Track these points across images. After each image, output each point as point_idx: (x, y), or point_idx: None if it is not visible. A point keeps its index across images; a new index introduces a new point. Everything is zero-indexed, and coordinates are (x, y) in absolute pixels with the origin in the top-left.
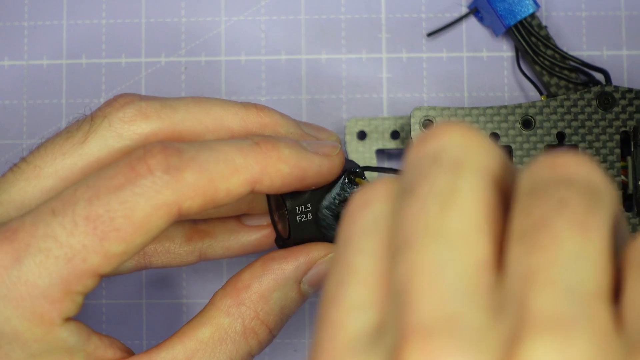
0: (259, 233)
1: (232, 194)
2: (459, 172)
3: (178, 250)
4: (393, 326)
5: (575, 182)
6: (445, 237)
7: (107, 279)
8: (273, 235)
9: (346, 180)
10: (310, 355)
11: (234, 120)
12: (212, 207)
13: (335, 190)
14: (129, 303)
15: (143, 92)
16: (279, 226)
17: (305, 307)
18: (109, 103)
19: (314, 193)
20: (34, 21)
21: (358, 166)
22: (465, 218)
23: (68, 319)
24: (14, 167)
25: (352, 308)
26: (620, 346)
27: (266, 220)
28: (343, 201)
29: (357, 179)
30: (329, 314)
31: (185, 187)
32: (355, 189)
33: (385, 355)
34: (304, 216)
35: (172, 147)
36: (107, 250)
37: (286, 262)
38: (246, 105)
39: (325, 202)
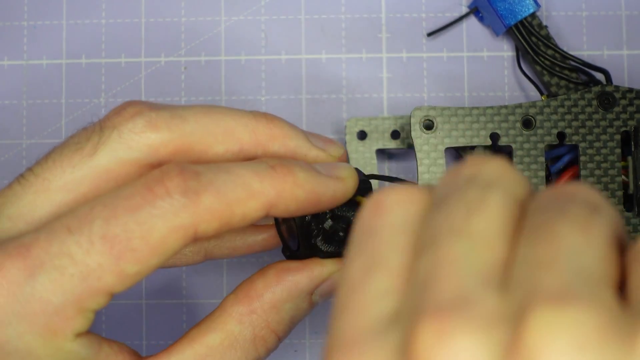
0: (265, 233)
1: (247, 217)
2: (488, 189)
3: (184, 250)
4: (409, 309)
5: (577, 198)
6: (467, 236)
7: None
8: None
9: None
10: (330, 335)
11: (244, 131)
12: (227, 230)
13: (338, 207)
14: (129, 303)
15: (143, 92)
16: (286, 236)
17: None
18: (118, 112)
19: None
20: (34, 21)
21: (363, 174)
22: (487, 223)
23: (80, 334)
24: (20, 179)
25: (377, 294)
26: (625, 317)
27: (272, 220)
28: (339, 218)
29: (357, 197)
30: (354, 299)
31: (202, 211)
32: (351, 211)
33: (400, 334)
34: (315, 233)
35: (190, 169)
36: (122, 270)
37: (300, 274)
38: (256, 115)
39: (323, 218)
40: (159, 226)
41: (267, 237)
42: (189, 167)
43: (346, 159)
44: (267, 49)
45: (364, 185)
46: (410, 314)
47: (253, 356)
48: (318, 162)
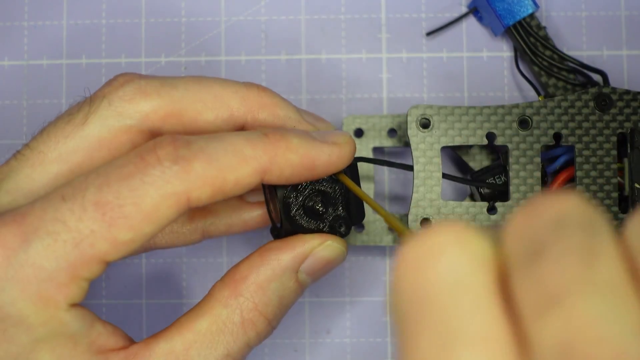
0: (261, 209)
1: (240, 184)
2: (588, 229)
3: (181, 229)
4: None
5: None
6: (599, 289)
7: (107, 279)
8: None
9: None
10: None
11: (233, 98)
12: (221, 198)
13: (319, 181)
14: (129, 303)
15: None
16: (274, 215)
17: (305, 307)
18: (109, 83)
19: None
20: (34, 21)
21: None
22: (611, 272)
23: (73, 305)
24: (17, 154)
25: None
26: None
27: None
28: (318, 192)
29: (340, 175)
30: None
31: (193, 177)
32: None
33: None
34: (296, 207)
35: (182, 138)
36: (115, 237)
37: (283, 252)
38: (247, 84)
39: (302, 191)
40: (150, 193)
41: (263, 213)
42: (181, 136)
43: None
44: (267, 49)
45: (349, 165)
46: None
47: (242, 340)
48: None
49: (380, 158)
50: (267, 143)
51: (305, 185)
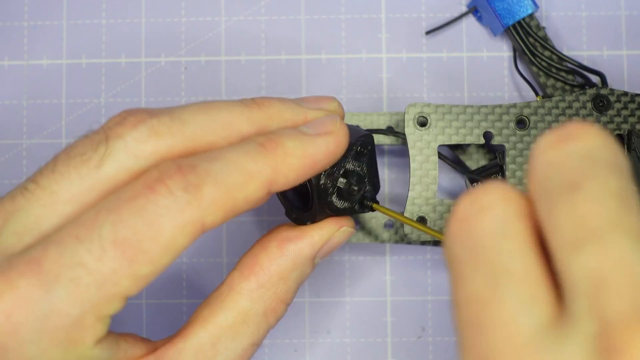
0: None
1: (250, 200)
2: (621, 173)
3: None
4: (588, 315)
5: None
6: (633, 232)
7: None
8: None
9: (357, 150)
10: (476, 355)
11: (241, 121)
12: (233, 216)
13: (347, 162)
14: (129, 303)
15: (143, 93)
16: (291, 198)
17: (305, 307)
18: (120, 122)
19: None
20: (34, 21)
21: (364, 134)
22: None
23: (99, 340)
24: (24, 191)
25: (519, 307)
26: None
27: None
28: (351, 173)
29: (360, 148)
30: (492, 316)
31: (206, 204)
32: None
33: (588, 343)
34: (333, 192)
35: (186, 164)
36: (136, 273)
37: (302, 242)
38: (246, 103)
39: (337, 175)
40: (166, 225)
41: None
42: (183, 161)
43: (342, 110)
44: (267, 49)
45: (367, 139)
46: (590, 322)
47: (265, 328)
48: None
49: (387, 129)
50: (266, 155)
51: (338, 168)
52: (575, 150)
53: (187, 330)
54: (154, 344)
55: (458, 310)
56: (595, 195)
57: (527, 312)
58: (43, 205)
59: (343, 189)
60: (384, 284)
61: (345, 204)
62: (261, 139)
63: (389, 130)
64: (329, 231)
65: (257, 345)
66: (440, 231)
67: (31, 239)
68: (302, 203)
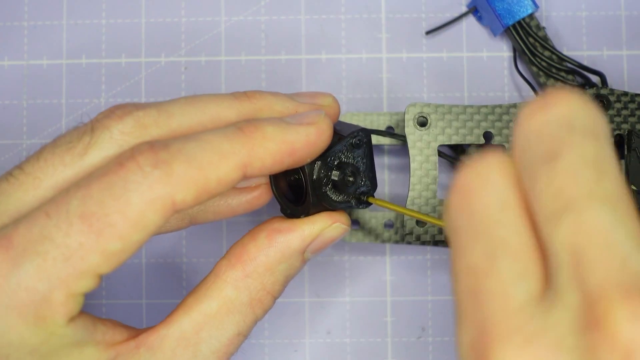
0: (249, 195)
1: (223, 181)
2: (598, 139)
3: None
4: (570, 286)
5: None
6: (608, 200)
7: (107, 279)
8: (262, 197)
9: (353, 142)
10: (477, 328)
11: (230, 113)
12: (207, 198)
13: (342, 154)
14: (129, 303)
15: (143, 92)
16: (285, 192)
17: (305, 307)
18: (108, 115)
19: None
20: (34, 21)
21: (360, 129)
22: (617, 183)
23: (72, 318)
24: (9, 177)
25: (513, 278)
26: None
27: (255, 182)
28: (346, 164)
29: (354, 140)
30: (489, 286)
31: (175, 180)
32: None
33: (572, 313)
34: (328, 183)
35: (159, 142)
36: (105, 248)
37: (292, 234)
38: (236, 95)
39: (331, 166)
40: (135, 199)
41: (251, 199)
42: (158, 141)
43: (337, 105)
44: (267, 49)
45: (363, 133)
46: (574, 292)
47: (251, 318)
48: None
49: (385, 130)
50: (242, 136)
51: (333, 159)
52: (554, 118)
53: (170, 317)
54: (137, 330)
55: (457, 279)
56: (572, 164)
57: (519, 285)
58: (25, 190)
59: (338, 180)
60: (384, 284)
61: (341, 197)
62: (241, 123)
63: (388, 132)
64: (320, 225)
65: (243, 335)
66: (439, 218)
67: (8, 220)
68: (297, 199)
